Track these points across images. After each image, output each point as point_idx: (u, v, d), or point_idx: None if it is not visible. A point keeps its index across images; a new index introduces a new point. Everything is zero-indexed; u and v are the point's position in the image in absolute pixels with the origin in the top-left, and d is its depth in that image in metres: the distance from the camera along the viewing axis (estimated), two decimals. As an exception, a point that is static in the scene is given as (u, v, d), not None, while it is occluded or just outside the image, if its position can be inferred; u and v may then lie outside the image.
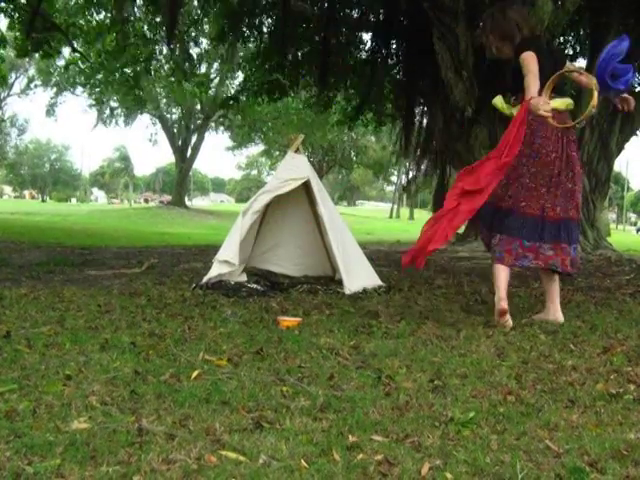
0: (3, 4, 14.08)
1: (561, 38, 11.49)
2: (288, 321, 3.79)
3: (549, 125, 3.81)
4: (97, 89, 23.19)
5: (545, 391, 2.52)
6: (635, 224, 71.10)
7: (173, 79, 19.13)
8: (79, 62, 18.45)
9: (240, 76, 18.40)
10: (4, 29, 16.27)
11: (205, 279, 5.28)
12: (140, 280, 5.74)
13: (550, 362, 2.99)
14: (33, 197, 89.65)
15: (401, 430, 2.00)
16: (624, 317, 4.33)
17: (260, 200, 5.44)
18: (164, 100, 35.76)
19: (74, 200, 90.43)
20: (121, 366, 2.65)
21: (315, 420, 2.09)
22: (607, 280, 6.37)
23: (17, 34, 15.47)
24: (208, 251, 9.24)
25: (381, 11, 12.22)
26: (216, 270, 5.24)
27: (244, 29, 12.49)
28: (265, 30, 12.69)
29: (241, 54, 16.33)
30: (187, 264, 7.36)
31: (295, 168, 5.62)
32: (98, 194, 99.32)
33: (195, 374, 2.56)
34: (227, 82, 23.44)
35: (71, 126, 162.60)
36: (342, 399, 2.31)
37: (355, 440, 1.89)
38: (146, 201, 74.66)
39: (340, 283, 5.27)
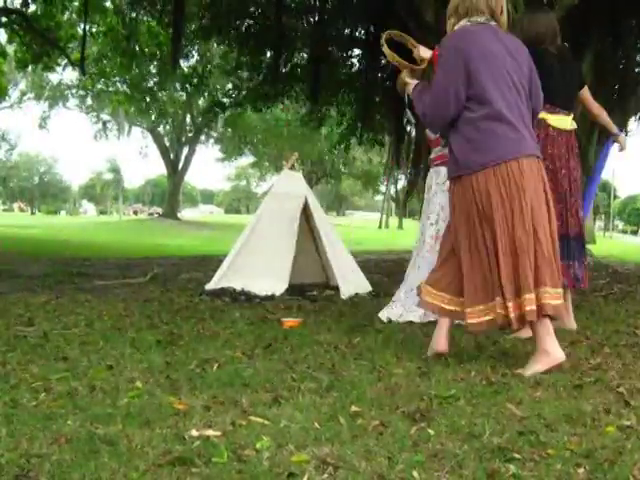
0: (4, 19, 14.47)
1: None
2: (291, 321, 4.23)
3: None
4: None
5: (516, 375, 2.96)
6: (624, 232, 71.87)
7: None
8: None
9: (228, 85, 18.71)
10: (3, 42, 16.62)
11: (209, 286, 5.72)
12: (148, 288, 6.17)
13: (522, 352, 3.43)
14: (22, 210, 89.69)
15: (393, 403, 2.43)
16: (594, 316, 4.77)
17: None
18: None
19: (63, 212, 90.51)
20: (152, 358, 3.08)
21: (322, 397, 2.52)
22: (583, 284, 6.82)
23: (16, 47, 15.85)
24: (206, 261, 9.67)
25: (370, 29, 12.67)
26: (221, 279, 5.70)
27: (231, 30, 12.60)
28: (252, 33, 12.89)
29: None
30: (188, 274, 7.78)
31: (291, 184, 6.09)
32: (87, 206, 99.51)
33: (217, 364, 2.99)
34: (217, 87, 23.39)
35: (59, 139, 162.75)
36: (343, 382, 2.74)
37: (356, 410, 2.33)
38: (135, 213, 74.84)
39: (334, 289, 5.73)
